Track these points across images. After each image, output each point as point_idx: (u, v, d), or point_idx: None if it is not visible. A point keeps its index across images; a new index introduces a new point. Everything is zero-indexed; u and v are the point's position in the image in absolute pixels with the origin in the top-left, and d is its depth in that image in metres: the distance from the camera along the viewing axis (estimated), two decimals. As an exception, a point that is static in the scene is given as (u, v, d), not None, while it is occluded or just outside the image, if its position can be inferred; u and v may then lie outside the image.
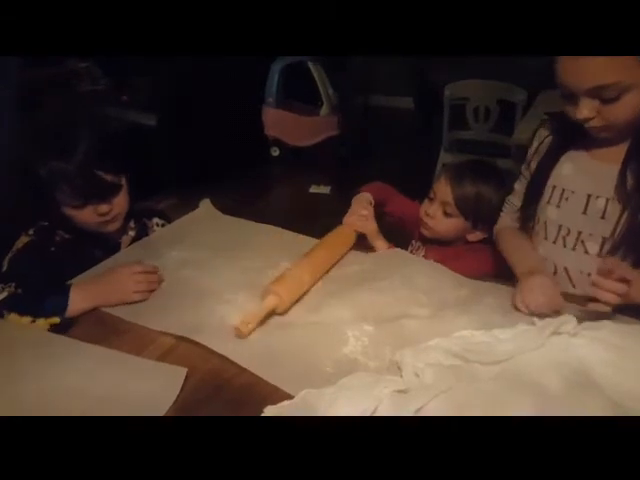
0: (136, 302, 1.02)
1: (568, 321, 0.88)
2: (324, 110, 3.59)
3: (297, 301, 1.02)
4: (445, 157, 2.96)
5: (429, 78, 3.34)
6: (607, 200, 1.01)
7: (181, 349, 0.91)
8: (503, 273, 1.14)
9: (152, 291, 1.05)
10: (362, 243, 1.25)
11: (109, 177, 1.09)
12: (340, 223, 1.25)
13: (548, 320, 0.90)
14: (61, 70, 3.21)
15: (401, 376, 0.82)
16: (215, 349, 0.89)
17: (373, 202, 1.28)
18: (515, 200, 1.19)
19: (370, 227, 1.24)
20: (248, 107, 3.40)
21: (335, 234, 1.22)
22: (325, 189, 3.33)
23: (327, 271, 1.13)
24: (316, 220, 1.29)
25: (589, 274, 1.04)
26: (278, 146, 3.68)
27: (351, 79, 3.81)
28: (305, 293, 1.05)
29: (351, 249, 1.22)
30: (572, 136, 1.05)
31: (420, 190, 1.41)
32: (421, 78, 3.63)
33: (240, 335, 0.92)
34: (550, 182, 1.09)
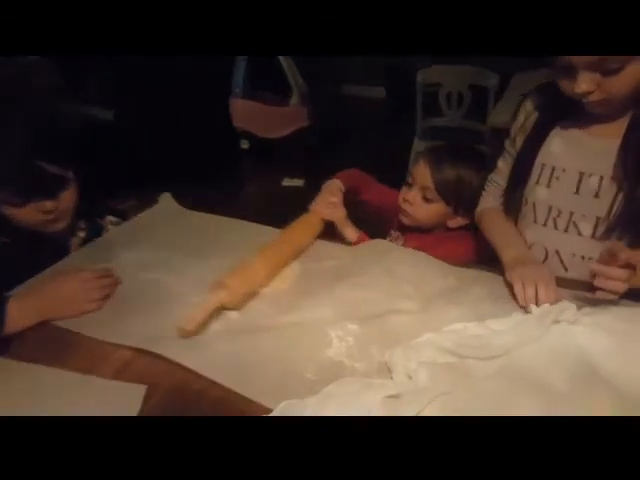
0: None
1: (567, 308, 0.81)
2: (294, 100, 3.49)
3: (253, 295, 0.94)
4: (419, 145, 2.94)
5: (400, 65, 3.28)
6: (601, 178, 0.93)
7: (140, 363, 0.81)
8: (485, 259, 1.07)
9: (107, 298, 0.93)
10: (338, 235, 1.17)
11: (54, 169, 0.96)
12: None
13: (546, 308, 0.83)
14: (12, 64, 3.02)
15: (392, 378, 0.73)
16: (178, 361, 0.78)
17: (343, 189, 1.21)
18: (499, 179, 1.12)
19: (338, 214, 1.17)
20: (214, 98, 3.27)
21: (299, 223, 1.14)
22: (299, 182, 3.23)
23: (288, 262, 1.04)
24: (290, 214, 1.21)
25: (582, 257, 0.98)
26: (248, 139, 3.56)
27: (321, 68, 3.71)
28: (262, 286, 0.97)
29: (320, 239, 1.14)
30: (562, 110, 0.97)
31: (394, 179, 1.36)
32: (392, 65, 3.56)
33: (184, 334, 0.83)
34: (538, 160, 1.01)
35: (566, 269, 1.00)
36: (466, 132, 2.69)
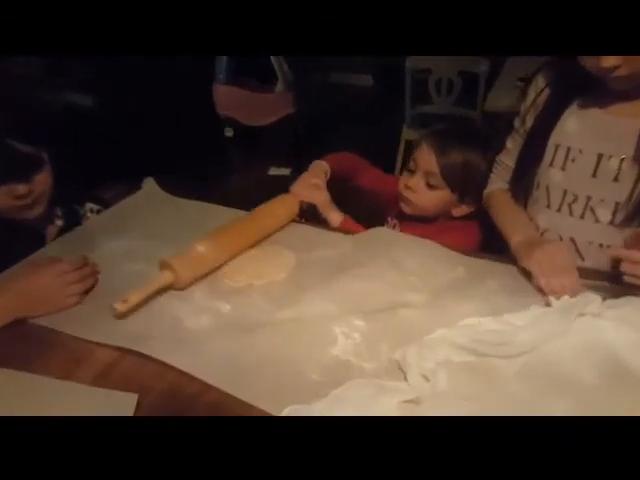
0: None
1: (592, 300, 0.75)
2: (279, 87, 3.39)
3: (202, 277, 0.90)
4: (408, 133, 2.91)
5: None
6: (621, 160, 0.87)
7: (127, 364, 0.73)
8: (490, 249, 1.01)
9: (88, 291, 0.85)
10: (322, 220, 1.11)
11: (27, 149, 0.87)
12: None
13: (568, 300, 0.77)
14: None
15: (405, 379, 0.67)
16: (168, 362, 0.71)
17: (329, 172, 1.14)
18: (507, 160, 1.05)
19: (320, 197, 1.10)
20: (197, 84, 3.16)
21: (272, 203, 1.07)
22: (285, 171, 3.14)
23: (248, 243, 0.99)
24: None
25: (600, 245, 0.92)
26: (232, 126, 3.46)
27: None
28: (211, 267, 0.92)
29: (294, 221, 1.08)
30: (578, 87, 0.90)
31: (383, 168, 1.31)
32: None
33: (117, 315, 0.78)
34: (552, 140, 0.94)
35: (582, 258, 0.94)
36: (456, 119, 2.63)
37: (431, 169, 1.09)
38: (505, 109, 1.91)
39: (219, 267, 0.93)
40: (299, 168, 3.59)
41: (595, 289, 0.81)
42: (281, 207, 1.07)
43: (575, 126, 0.92)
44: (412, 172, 1.13)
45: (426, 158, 1.10)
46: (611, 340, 0.69)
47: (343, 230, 1.07)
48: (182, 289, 0.87)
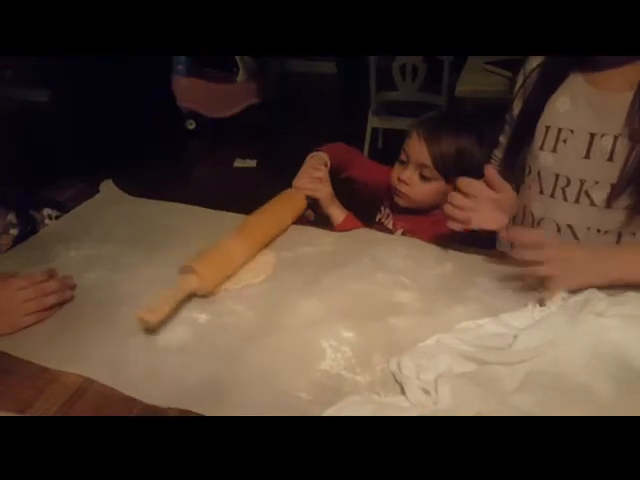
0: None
1: (599, 299, 0.70)
2: (241, 76, 3.30)
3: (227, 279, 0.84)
4: (373, 120, 2.89)
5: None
6: (615, 138, 0.82)
7: (95, 390, 0.65)
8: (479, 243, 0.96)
9: (51, 308, 0.77)
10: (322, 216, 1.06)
11: None
12: (274, 197, 1.02)
13: (573, 298, 0.71)
14: None
15: (403, 393, 0.62)
16: (139, 398, 0.63)
17: (329, 163, 1.08)
18: (501, 154, 1.01)
19: (324, 191, 1.05)
20: (155, 77, 3.03)
21: (280, 199, 1.01)
22: (251, 163, 3.05)
23: (267, 243, 0.93)
24: (244, 197, 1.09)
25: (598, 230, 0.88)
26: (194, 119, 3.35)
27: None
28: (237, 270, 0.86)
29: (300, 219, 1.03)
30: (568, 64, 0.86)
31: None
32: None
33: (147, 325, 0.71)
34: (542, 122, 0.90)
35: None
36: (422, 105, 2.60)
37: (424, 161, 1.03)
38: (474, 94, 1.91)
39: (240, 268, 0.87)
40: (265, 160, 3.53)
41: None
42: (292, 203, 1.02)
43: (565, 106, 0.88)
44: (404, 163, 1.07)
45: (417, 149, 1.04)
46: (617, 340, 0.64)
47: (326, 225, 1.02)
48: (207, 295, 0.80)
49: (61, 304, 0.78)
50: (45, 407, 0.63)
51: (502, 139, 1.01)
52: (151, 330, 0.72)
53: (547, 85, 0.89)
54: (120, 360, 0.69)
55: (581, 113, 0.86)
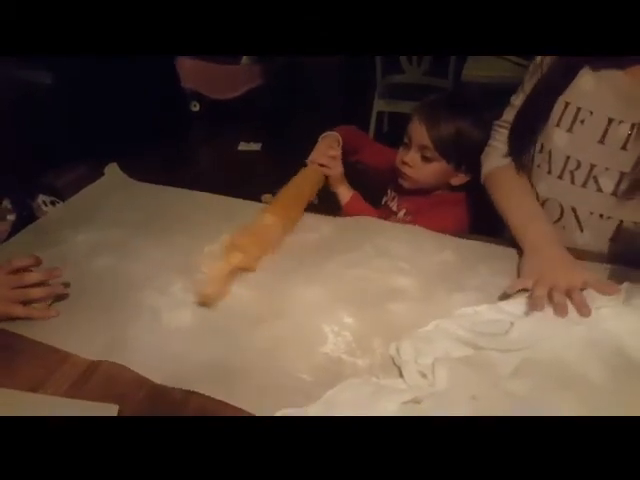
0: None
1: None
2: (245, 59, 3.29)
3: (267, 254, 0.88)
4: (379, 104, 2.89)
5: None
6: (633, 126, 0.82)
7: (103, 371, 0.67)
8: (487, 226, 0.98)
9: (44, 299, 0.76)
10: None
11: None
12: (279, 181, 1.04)
13: None
14: None
15: (401, 375, 0.64)
16: (146, 375, 0.66)
17: (341, 143, 1.11)
18: (511, 117, 0.98)
19: (336, 170, 1.09)
20: (160, 58, 3.01)
21: (301, 175, 1.05)
22: (255, 146, 3.05)
23: (299, 217, 0.98)
24: (249, 180, 1.09)
25: (600, 215, 0.88)
26: (198, 100, 3.34)
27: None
28: (277, 244, 0.90)
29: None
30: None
31: None
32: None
33: (205, 299, 0.76)
34: (562, 98, 0.88)
35: (582, 229, 0.90)
36: (427, 89, 2.59)
37: (424, 142, 1.07)
38: (481, 78, 1.90)
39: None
40: (270, 143, 3.51)
41: (594, 271, 0.78)
42: (313, 178, 1.06)
43: (589, 85, 0.86)
44: (407, 146, 1.11)
45: (418, 132, 1.08)
46: (611, 329, 0.66)
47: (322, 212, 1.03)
48: (250, 270, 0.84)
49: (51, 299, 0.76)
50: (56, 386, 0.65)
51: (515, 101, 0.98)
52: (207, 304, 0.76)
53: (574, 63, 0.87)
54: (128, 343, 0.71)
55: (603, 95, 0.84)
